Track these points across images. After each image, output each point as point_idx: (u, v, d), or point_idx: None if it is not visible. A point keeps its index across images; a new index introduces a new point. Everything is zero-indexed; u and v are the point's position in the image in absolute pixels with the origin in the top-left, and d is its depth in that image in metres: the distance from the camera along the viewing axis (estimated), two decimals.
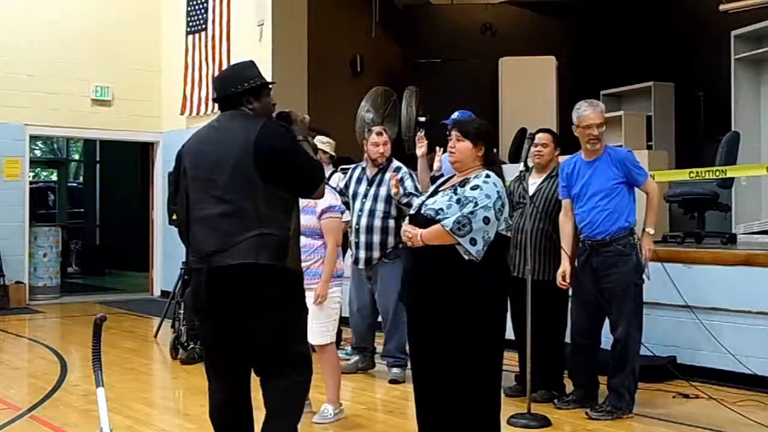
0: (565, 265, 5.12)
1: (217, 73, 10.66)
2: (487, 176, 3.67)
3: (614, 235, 4.96)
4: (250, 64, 3.67)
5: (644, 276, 5.03)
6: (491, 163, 3.80)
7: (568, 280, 5.11)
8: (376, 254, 5.98)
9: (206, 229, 3.45)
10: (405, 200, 5.88)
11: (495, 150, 3.89)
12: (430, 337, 3.66)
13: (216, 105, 3.73)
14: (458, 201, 3.60)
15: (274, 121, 3.57)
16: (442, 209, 3.61)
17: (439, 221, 3.58)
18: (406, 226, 3.72)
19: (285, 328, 3.47)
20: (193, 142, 3.66)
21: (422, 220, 3.67)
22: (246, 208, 3.38)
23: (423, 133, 6.18)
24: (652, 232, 5.01)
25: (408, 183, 5.94)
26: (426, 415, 3.73)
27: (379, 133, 6.04)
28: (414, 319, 3.79)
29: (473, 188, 3.62)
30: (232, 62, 10.43)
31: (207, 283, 3.42)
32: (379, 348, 6.31)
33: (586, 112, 5.06)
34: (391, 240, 5.98)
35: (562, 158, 5.52)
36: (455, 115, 6.32)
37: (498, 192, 3.62)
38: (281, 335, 3.46)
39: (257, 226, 3.37)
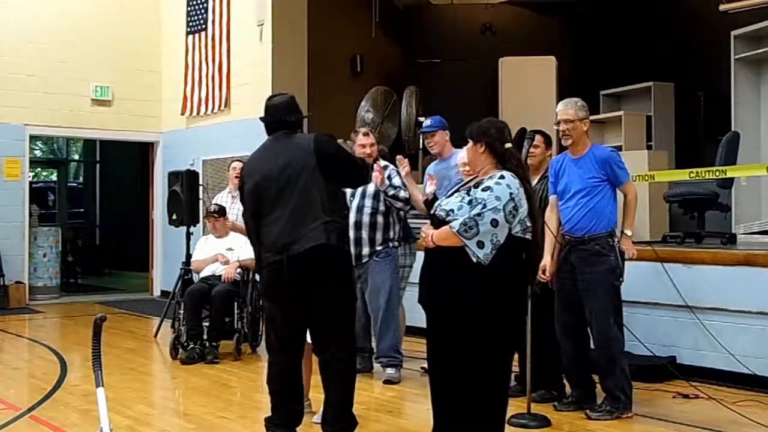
0: (546, 260, 5.09)
1: (217, 74, 10.68)
2: (501, 177, 3.59)
3: (593, 234, 4.96)
4: (295, 98, 4.51)
5: (621, 278, 5.00)
6: (505, 160, 3.69)
7: (547, 274, 5.09)
8: (365, 250, 5.98)
9: (281, 226, 4.15)
10: (391, 192, 5.92)
11: (509, 145, 3.74)
12: (440, 337, 3.66)
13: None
14: (470, 202, 3.55)
15: (324, 133, 4.41)
16: (452, 210, 3.57)
17: (449, 222, 3.55)
18: (424, 227, 3.71)
19: (346, 306, 4.27)
20: (256, 161, 4.40)
21: (435, 221, 3.64)
22: (313, 200, 4.13)
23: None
24: (629, 233, 5.00)
25: (395, 180, 5.98)
26: (438, 414, 3.72)
27: (365, 134, 6.07)
28: (428, 319, 3.76)
29: (484, 189, 3.56)
30: (233, 63, 10.52)
31: (289, 268, 4.09)
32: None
33: (557, 108, 5.15)
34: (379, 236, 6.00)
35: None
36: (427, 122, 6.37)
37: (510, 194, 3.53)
38: (343, 311, 4.23)
39: (323, 215, 4.11)
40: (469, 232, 3.47)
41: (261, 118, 4.45)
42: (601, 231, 4.96)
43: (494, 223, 3.48)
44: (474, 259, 3.48)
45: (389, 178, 5.96)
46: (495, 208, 3.49)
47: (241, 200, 4.52)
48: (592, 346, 5.16)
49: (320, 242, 4.07)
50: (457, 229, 3.48)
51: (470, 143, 3.77)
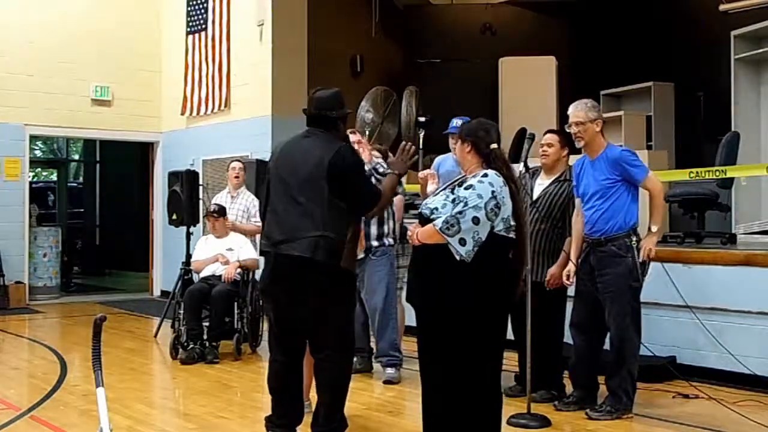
0: (570, 266, 5.12)
1: (217, 74, 10.68)
2: (485, 175, 3.65)
3: (609, 236, 4.94)
4: (341, 92, 4.34)
5: (642, 278, 4.99)
6: (490, 161, 3.74)
7: (572, 279, 5.10)
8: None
9: (278, 220, 4.19)
10: (381, 170, 5.84)
11: (494, 146, 3.76)
12: (428, 335, 3.69)
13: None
14: (453, 200, 3.60)
15: (350, 146, 4.32)
16: (436, 208, 3.63)
17: (433, 220, 3.59)
18: (411, 225, 3.77)
19: (328, 316, 4.13)
20: (282, 148, 4.36)
21: (422, 219, 3.70)
22: (312, 210, 4.08)
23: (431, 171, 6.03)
24: (655, 229, 4.96)
25: (381, 169, 5.92)
26: (427, 412, 3.74)
27: (351, 132, 6.06)
28: (417, 316, 3.80)
29: (467, 188, 3.62)
30: (233, 63, 10.52)
31: (273, 266, 4.17)
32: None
33: (568, 110, 5.14)
34: (373, 230, 5.96)
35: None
36: (457, 122, 6.20)
37: (492, 192, 3.58)
38: (325, 320, 4.13)
39: (320, 228, 4.05)
40: (451, 230, 3.52)
41: (304, 110, 4.37)
42: (617, 232, 4.93)
43: (475, 220, 3.53)
44: (457, 257, 3.52)
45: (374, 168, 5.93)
46: (476, 206, 3.54)
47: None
48: (605, 347, 5.17)
49: (305, 256, 4.03)
50: (440, 227, 3.53)
51: (459, 143, 3.86)
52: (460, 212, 3.53)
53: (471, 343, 3.58)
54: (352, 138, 5.99)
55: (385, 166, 5.98)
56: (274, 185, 4.26)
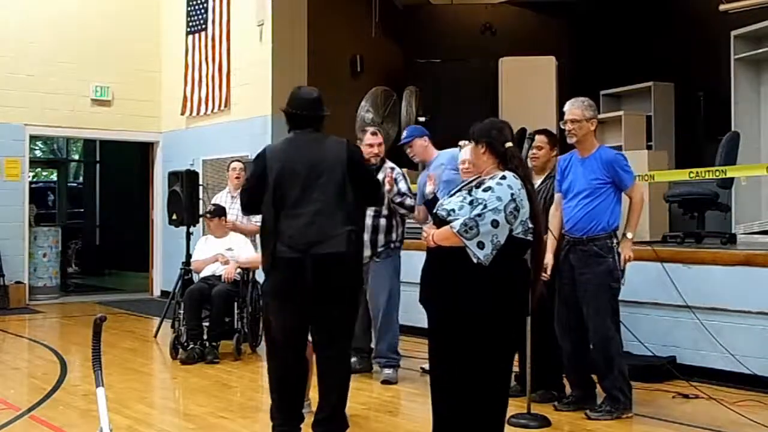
0: (548, 258, 5.08)
1: (217, 74, 10.68)
2: (503, 177, 3.57)
3: (592, 235, 4.96)
4: (320, 93, 4.48)
5: (621, 281, 5.00)
6: (506, 160, 3.67)
7: (548, 272, 5.08)
8: (366, 252, 5.95)
9: (304, 222, 4.14)
10: (398, 199, 5.93)
11: (509, 144, 3.70)
12: (443, 338, 3.64)
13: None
14: (471, 202, 3.53)
15: (354, 144, 4.52)
16: (453, 210, 3.55)
17: (450, 222, 3.53)
18: (425, 226, 3.71)
19: (356, 307, 4.43)
20: (286, 150, 4.30)
21: (437, 221, 3.63)
22: (339, 207, 4.17)
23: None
24: (630, 236, 4.99)
25: (401, 185, 5.97)
26: (437, 414, 3.72)
27: (373, 134, 6.07)
28: (430, 319, 3.74)
29: (485, 190, 3.53)
30: (233, 63, 10.52)
31: (312, 268, 4.10)
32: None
33: (565, 107, 5.15)
34: (381, 238, 6.00)
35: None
36: (403, 133, 6.38)
37: (512, 194, 3.51)
38: (349, 314, 4.33)
39: (349, 223, 4.17)
40: (469, 233, 3.45)
41: (284, 110, 4.36)
42: (600, 233, 4.95)
43: (495, 223, 3.46)
44: (474, 260, 3.46)
45: (395, 182, 5.94)
46: (496, 209, 3.47)
47: (253, 189, 4.31)
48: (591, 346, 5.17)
49: (341, 250, 4.12)
50: (458, 230, 3.46)
51: (472, 144, 3.76)
52: (479, 215, 3.46)
53: (486, 348, 3.52)
54: (375, 140, 6.01)
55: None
56: (289, 188, 4.17)
